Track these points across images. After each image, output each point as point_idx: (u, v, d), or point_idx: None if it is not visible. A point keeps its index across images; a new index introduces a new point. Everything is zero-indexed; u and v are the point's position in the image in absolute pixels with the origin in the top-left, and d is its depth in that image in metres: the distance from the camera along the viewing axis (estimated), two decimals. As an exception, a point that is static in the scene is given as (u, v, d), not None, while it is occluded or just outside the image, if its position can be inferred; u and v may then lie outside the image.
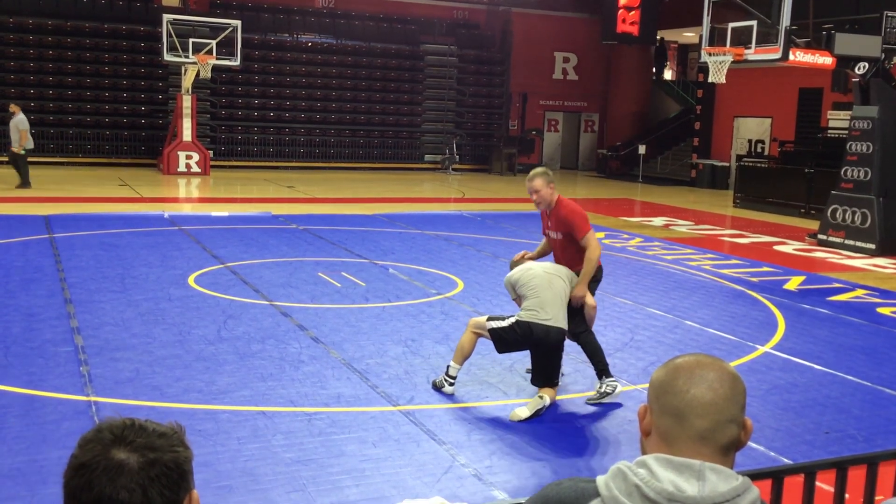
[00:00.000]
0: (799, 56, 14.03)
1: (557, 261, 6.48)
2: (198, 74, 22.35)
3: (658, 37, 30.89)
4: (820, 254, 13.89)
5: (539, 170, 6.40)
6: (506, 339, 5.92)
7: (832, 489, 3.12)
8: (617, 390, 6.11)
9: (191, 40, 21.94)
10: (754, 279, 11.23)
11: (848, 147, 14.57)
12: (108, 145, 24.79)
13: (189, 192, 20.21)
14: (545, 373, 5.91)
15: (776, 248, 14.36)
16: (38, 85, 24.35)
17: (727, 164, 25.43)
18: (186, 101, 22.54)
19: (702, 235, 15.36)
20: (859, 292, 10.68)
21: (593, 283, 6.34)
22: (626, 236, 14.57)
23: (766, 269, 12.15)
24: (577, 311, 6.13)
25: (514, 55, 29.75)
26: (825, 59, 14.35)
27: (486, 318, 6.10)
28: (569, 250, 6.33)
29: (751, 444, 5.20)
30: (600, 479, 1.49)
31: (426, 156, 28.82)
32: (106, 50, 25.21)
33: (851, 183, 14.41)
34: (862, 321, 9.06)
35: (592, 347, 6.17)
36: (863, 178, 14.23)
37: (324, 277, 10.11)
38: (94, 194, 17.44)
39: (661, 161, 29.29)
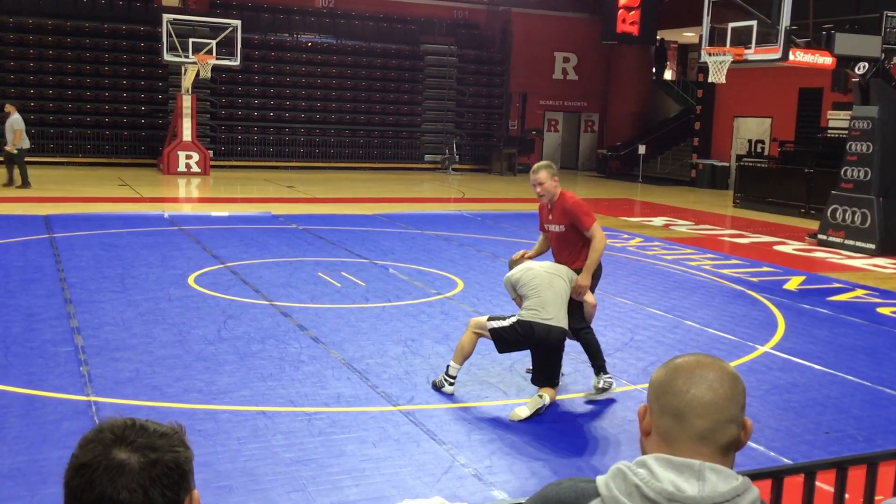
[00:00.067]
0: (799, 56, 14.03)
1: (556, 255, 6.50)
2: (198, 74, 22.35)
3: (658, 37, 30.89)
4: (820, 254, 13.89)
5: (543, 163, 6.48)
6: (507, 339, 5.92)
7: (832, 489, 3.12)
8: (613, 386, 6.23)
9: (191, 40, 21.94)
10: (754, 279, 11.23)
11: (848, 147, 14.57)
12: (108, 145, 24.79)
13: (189, 192, 20.21)
14: (546, 372, 5.92)
15: (776, 248, 14.36)
16: (38, 85, 24.35)
17: (727, 164, 25.43)
18: (186, 101, 22.54)
19: (702, 235, 15.37)
20: (859, 292, 10.68)
21: (593, 282, 6.36)
22: (626, 236, 14.58)
23: (766, 269, 12.15)
24: (576, 309, 6.15)
25: (514, 55, 29.75)
26: (825, 59, 14.35)
27: (486, 317, 6.11)
28: (569, 243, 6.35)
29: (751, 444, 5.21)
30: (600, 479, 1.49)
31: (426, 156, 28.82)
32: (106, 50, 25.21)
33: (851, 183, 14.41)
34: (862, 321, 9.06)
35: (592, 345, 6.25)
36: (863, 178, 14.23)
37: (324, 277, 10.11)
38: (94, 194, 17.44)
39: (661, 161, 29.29)
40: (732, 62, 13.82)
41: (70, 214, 14.23)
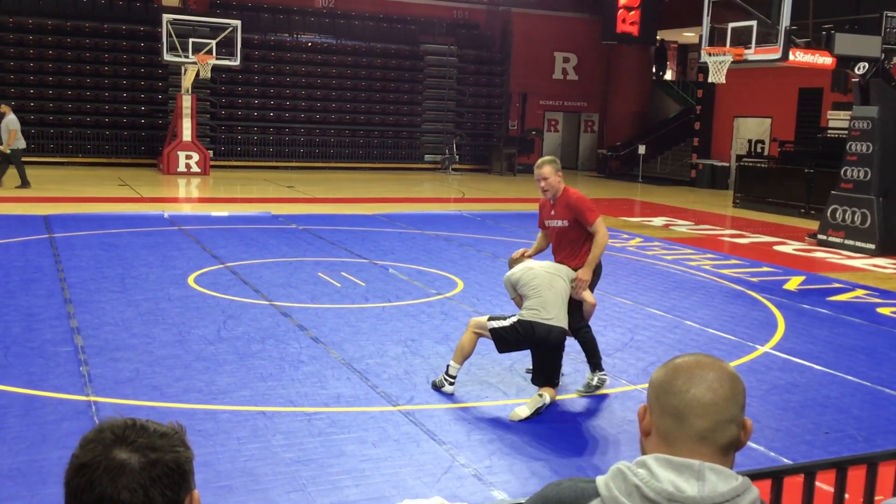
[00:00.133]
0: (799, 56, 14.03)
1: (555, 252, 6.51)
2: (198, 74, 22.34)
3: (658, 37, 30.89)
4: (820, 254, 13.89)
5: (548, 158, 6.53)
6: (507, 339, 5.93)
7: (832, 489, 3.13)
8: (606, 384, 6.34)
9: (191, 40, 21.94)
10: (754, 279, 11.23)
11: (848, 147, 14.57)
12: (108, 145, 24.79)
13: (189, 192, 20.21)
14: (546, 372, 5.92)
15: (776, 248, 14.36)
16: (37, 85, 24.35)
17: (727, 164, 25.44)
18: (186, 101, 22.54)
19: (702, 235, 15.37)
20: (859, 292, 10.69)
21: (592, 280, 6.38)
22: (626, 236, 14.58)
23: (765, 269, 12.15)
24: (576, 308, 6.16)
25: (514, 55, 29.75)
26: (825, 59, 14.35)
27: (486, 317, 6.11)
28: (571, 239, 6.37)
29: (750, 444, 5.21)
30: (600, 480, 1.49)
31: (426, 156, 28.82)
32: (106, 50, 25.20)
33: (851, 183, 14.41)
34: (862, 321, 9.06)
35: (590, 344, 6.32)
36: (862, 179, 14.23)
37: (324, 277, 10.11)
38: (93, 194, 17.44)
39: (661, 161, 29.29)
40: (732, 62, 13.82)
41: (70, 214, 14.23)
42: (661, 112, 31.97)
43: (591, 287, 6.36)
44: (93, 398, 5.70)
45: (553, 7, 30.15)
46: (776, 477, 2.90)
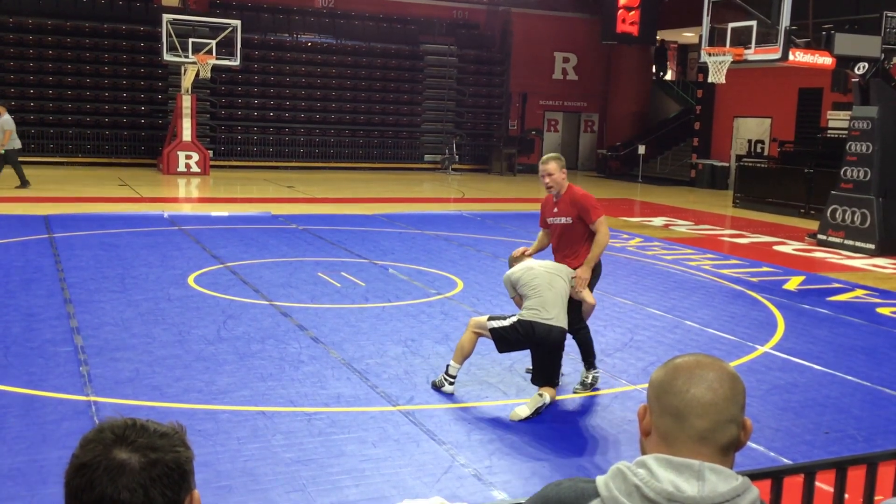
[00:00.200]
0: (799, 56, 14.03)
1: (556, 251, 6.52)
2: (197, 74, 22.34)
3: (658, 38, 30.89)
4: (819, 254, 13.89)
5: (553, 154, 6.55)
6: (507, 339, 5.93)
7: (832, 489, 3.13)
8: (598, 381, 6.45)
9: (190, 40, 21.93)
10: (754, 279, 11.23)
11: (847, 147, 14.58)
12: (108, 145, 24.78)
13: (189, 192, 20.21)
14: (546, 372, 5.92)
15: (776, 248, 14.36)
16: (37, 85, 24.35)
17: (727, 165, 25.43)
18: (186, 101, 22.54)
19: (701, 235, 15.37)
20: (859, 292, 10.69)
21: (592, 280, 6.39)
22: (625, 236, 14.58)
23: (765, 269, 12.15)
24: (575, 308, 6.17)
25: (513, 55, 29.75)
26: (825, 60, 14.35)
27: (486, 317, 6.12)
28: (573, 237, 6.38)
29: (750, 444, 5.21)
30: (600, 480, 1.49)
31: (426, 156, 28.82)
32: (106, 50, 25.20)
33: (851, 183, 14.41)
34: (861, 321, 9.06)
35: (587, 344, 6.38)
36: (862, 179, 14.23)
37: (323, 277, 10.11)
38: (93, 194, 17.44)
39: (661, 161, 29.29)
40: (732, 62, 13.82)
41: (70, 214, 14.23)
42: (661, 112, 31.97)
43: (591, 287, 6.37)
44: (93, 398, 5.71)
45: (553, 7, 30.15)
46: (776, 477, 2.90)
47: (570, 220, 6.37)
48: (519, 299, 6.13)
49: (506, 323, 5.93)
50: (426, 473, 4.78)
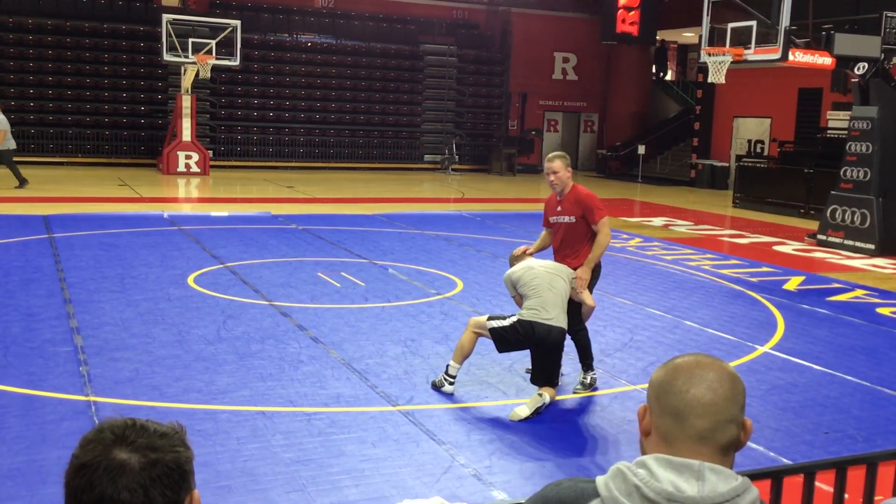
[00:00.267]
0: (798, 56, 14.03)
1: (557, 250, 6.52)
2: (197, 74, 22.34)
3: (658, 38, 30.88)
4: (819, 254, 13.89)
5: (558, 153, 6.58)
6: (507, 339, 5.93)
7: (831, 489, 3.13)
8: (596, 382, 6.48)
9: (190, 40, 21.93)
10: (754, 279, 11.23)
11: (847, 147, 14.58)
12: (108, 145, 24.78)
13: (188, 192, 20.21)
14: (545, 372, 5.92)
15: (775, 248, 14.36)
16: (37, 85, 24.34)
17: (727, 165, 25.43)
18: (186, 101, 22.53)
19: (701, 235, 15.37)
20: (859, 292, 10.69)
21: (591, 281, 6.39)
22: (625, 236, 14.58)
23: (765, 269, 12.15)
24: (574, 309, 6.18)
25: (513, 55, 29.74)
26: (825, 60, 14.35)
27: (486, 317, 6.12)
28: (575, 237, 6.39)
29: (750, 444, 5.21)
30: (600, 480, 1.49)
31: (426, 156, 28.81)
32: (105, 50, 25.19)
33: (851, 183, 14.41)
34: (861, 321, 9.06)
35: (586, 346, 6.41)
36: (862, 179, 14.24)
37: (323, 277, 10.11)
38: (93, 194, 17.44)
39: (661, 161, 29.29)
40: (732, 62, 13.82)
41: (69, 214, 14.23)
42: (661, 112, 31.97)
43: (590, 287, 6.37)
44: (92, 398, 5.70)
45: (553, 7, 30.15)
46: (776, 477, 2.90)
47: (573, 219, 6.38)
48: (519, 299, 6.13)
49: (505, 323, 5.93)
50: (426, 473, 4.78)
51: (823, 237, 14.72)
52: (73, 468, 1.30)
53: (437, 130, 29.06)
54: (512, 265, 6.44)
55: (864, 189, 14.19)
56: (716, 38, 14.22)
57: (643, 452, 1.55)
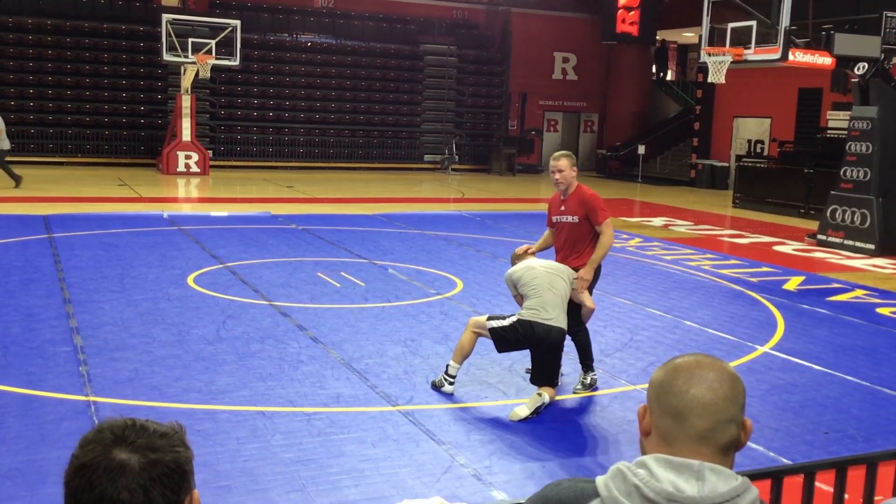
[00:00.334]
0: (798, 56, 14.03)
1: (559, 250, 6.53)
2: (197, 74, 22.33)
3: (658, 38, 30.88)
4: (819, 254, 13.89)
5: (564, 152, 6.62)
6: (507, 339, 5.93)
7: (831, 489, 3.13)
8: (597, 383, 6.48)
9: (190, 40, 21.92)
10: (754, 279, 11.23)
11: (847, 147, 14.58)
12: (108, 145, 24.77)
13: (188, 192, 20.21)
14: (545, 373, 5.92)
15: (775, 248, 14.36)
16: (37, 85, 24.34)
17: (726, 165, 25.43)
18: (186, 101, 22.53)
19: (701, 235, 15.37)
20: (859, 292, 10.69)
21: (591, 282, 6.39)
22: (625, 236, 14.58)
23: (765, 269, 12.15)
24: (574, 310, 6.18)
25: (513, 55, 29.74)
26: (825, 60, 14.36)
27: (486, 317, 6.12)
28: (577, 237, 6.40)
29: (750, 444, 5.20)
30: (600, 480, 1.49)
31: (426, 156, 28.81)
32: (105, 50, 25.19)
33: (851, 183, 14.41)
34: (861, 321, 9.06)
35: (586, 347, 6.40)
36: (862, 179, 14.24)
37: (323, 277, 10.11)
38: (93, 194, 17.43)
39: (661, 161, 29.29)
40: (732, 62, 13.82)
41: (69, 214, 14.23)
42: (661, 112, 31.96)
43: (590, 288, 6.37)
44: (92, 398, 5.70)
45: (553, 7, 30.15)
46: (776, 477, 2.90)
47: (576, 219, 6.38)
48: (520, 298, 6.13)
49: (505, 323, 5.93)
50: (426, 473, 4.78)
51: (823, 237, 14.72)
52: (73, 468, 1.29)
53: (437, 130, 29.06)
54: (514, 264, 6.44)
55: (864, 189, 14.19)
56: (716, 38, 14.21)
57: (643, 452, 1.55)
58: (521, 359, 6.69)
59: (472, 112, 29.76)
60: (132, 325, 7.61)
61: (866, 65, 13.97)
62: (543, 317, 5.83)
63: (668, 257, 12.72)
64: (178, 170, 22.63)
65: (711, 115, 26.59)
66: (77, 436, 1.35)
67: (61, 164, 23.68)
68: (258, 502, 4.35)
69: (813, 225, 16.24)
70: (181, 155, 22.65)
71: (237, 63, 23.21)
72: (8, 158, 18.00)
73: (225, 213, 15.84)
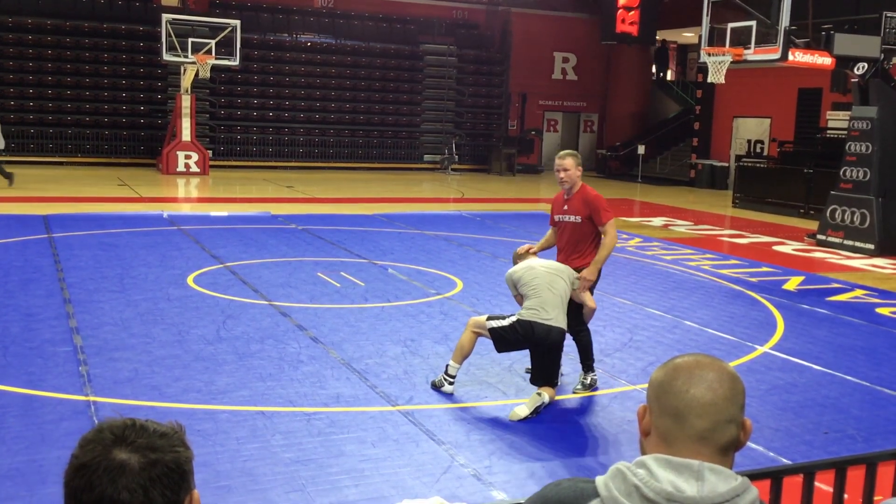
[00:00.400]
0: (798, 56, 14.03)
1: (562, 250, 6.52)
2: (197, 74, 22.34)
3: (658, 38, 30.88)
4: (819, 254, 13.89)
5: (570, 151, 6.66)
6: (506, 339, 5.93)
7: (831, 489, 3.13)
8: (597, 383, 6.47)
9: (190, 40, 21.93)
10: (753, 279, 11.23)
11: (847, 147, 14.58)
12: (107, 145, 24.77)
13: (188, 191, 20.21)
14: (545, 373, 5.92)
15: (775, 248, 14.36)
16: (37, 85, 24.34)
17: (726, 165, 25.43)
18: (185, 101, 22.53)
19: (701, 235, 15.37)
20: (858, 292, 10.69)
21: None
22: (625, 236, 14.58)
23: (765, 269, 12.15)
24: (575, 310, 6.18)
25: (513, 55, 29.75)
26: (824, 60, 14.36)
27: (485, 317, 6.11)
28: (580, 237, 6.41)
29: (750, 444, 5.20)
30: (599, 480, 1.49)
31: (425, 156, 28.81)
32: (105, 50, 25.19)
33: (850, 183, 14.41)
34: (861, 321, 9.06)
35: (587, 347, 6.40)
36: (862, 179, 14.24)
37: (323, 277, 10.11)
38: (93, 194, 17.43)
39: (661, 161, 29.29)
40: (732, 62, 13.82)
41: (69, 214, 14.23)
42: (661, 112, 31.96)
43: (591, 288, 6.37)
44: (92, 398, 5.70)
45: (553, 7, 30.15)
46: (776, 477, 2.90)
47: (579, 218, 6.38)
48: (520, 298, 6.13)
49: (505, 323, 5.93)
50: (425, 473, 4.78)
51: (823, 237, 14.72)
52: (73, 468, 1.29)
53: (437, 130, 29.06)
54: (515, 263, 6.44)
55: (863, 189, 14.20)
56: (716, 38, 14.22)
57: (643, 452, 1.55)
58: (521, 359, 6.69)
59: (472, 112, 29.77)
60: (132, 325, 7.61)
61: (866, 65, 13.97)
62: (543, 317, 5.83)
63: (668, 257, 12.72)
64: (178, 170, 22.63)
65: (711, 115, 26.60)
66: (77, 436, 1.35)
67: (61, 163, 23.68)
68: (258, 502, 4.35)
69: (813, 225, 16.24)
70: (181, 155, 22.66)
71: (237, 63, 23.21)
72: (6, 158, 17.98)
73: (225, 213, 15.84)
